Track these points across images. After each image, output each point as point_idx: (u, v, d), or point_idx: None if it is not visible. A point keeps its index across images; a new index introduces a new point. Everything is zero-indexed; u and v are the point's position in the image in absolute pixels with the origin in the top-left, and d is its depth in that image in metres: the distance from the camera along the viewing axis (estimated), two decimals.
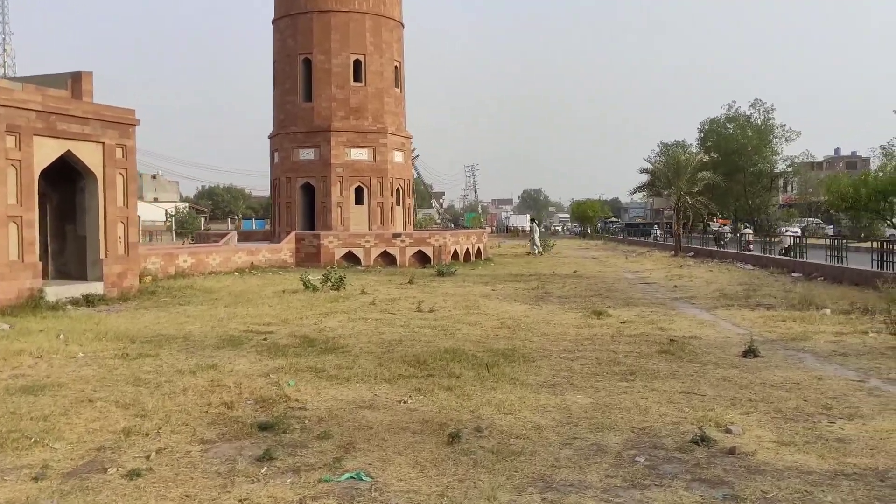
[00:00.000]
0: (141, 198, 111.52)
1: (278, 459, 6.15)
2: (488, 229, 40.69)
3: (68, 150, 17.14)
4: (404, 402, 8.06)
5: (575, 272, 27.40)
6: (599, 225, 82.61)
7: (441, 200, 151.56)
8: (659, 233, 54.64)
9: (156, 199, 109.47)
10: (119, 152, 18.40)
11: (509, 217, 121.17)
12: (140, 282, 21.05)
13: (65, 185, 18.47)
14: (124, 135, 18.51)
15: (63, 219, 18.79)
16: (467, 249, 33.05)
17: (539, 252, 39.54)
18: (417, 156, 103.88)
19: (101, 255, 18.01)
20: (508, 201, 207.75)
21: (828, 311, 14.68)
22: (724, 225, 48.75)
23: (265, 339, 12.16)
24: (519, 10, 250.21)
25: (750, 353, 10.60)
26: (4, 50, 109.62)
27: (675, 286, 21.58)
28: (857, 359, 10.38)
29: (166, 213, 72.85)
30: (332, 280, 20.14)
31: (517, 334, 12.89)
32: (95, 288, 17.73)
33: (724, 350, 11.15)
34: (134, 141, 18.86)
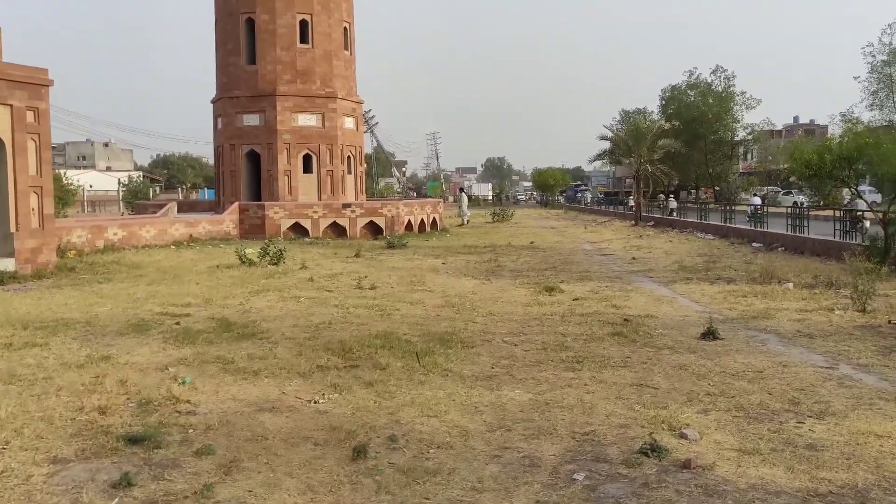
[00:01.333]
0: (92, 166, 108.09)
1: (137, 486, 4.99)
2: (446, 200, 39.44)
3: None
4: (315, 403, 6.96)
5: (532, 243, 26.46)
6: (568, 194, 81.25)
7: (403, 169, 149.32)
8: (631, 202, 53.88)
9: (108, 168, 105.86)
10: (30, 116, 16.75)
11: (471, 186, 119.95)
12: (62, 257, 19.54)
13: None
14: (36, 96, 16.85)
15: None
16: (422, 220, 31.88)
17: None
18: (377, 123, 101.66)
19: (12, 229, 16.45)
20: (473, 170, 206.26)
21: (790, 285, 13.89)
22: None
23: (178, 324, 10.92)
24: None
25: (709, 334, 9.70)
26: None
27: (634, 258, 20.74)
28: (824, 340, 9.53)
29: (119, 183, 70.22)
30: (271, 254, 18.85)
31: (461, 314, 11.85)
32: (5, 265, 16.21)
33: (682, 331, 10.24)
34: (47, 103, 17.21)
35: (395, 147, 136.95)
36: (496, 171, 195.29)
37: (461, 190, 56.86)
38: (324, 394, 7.21)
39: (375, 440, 5.87)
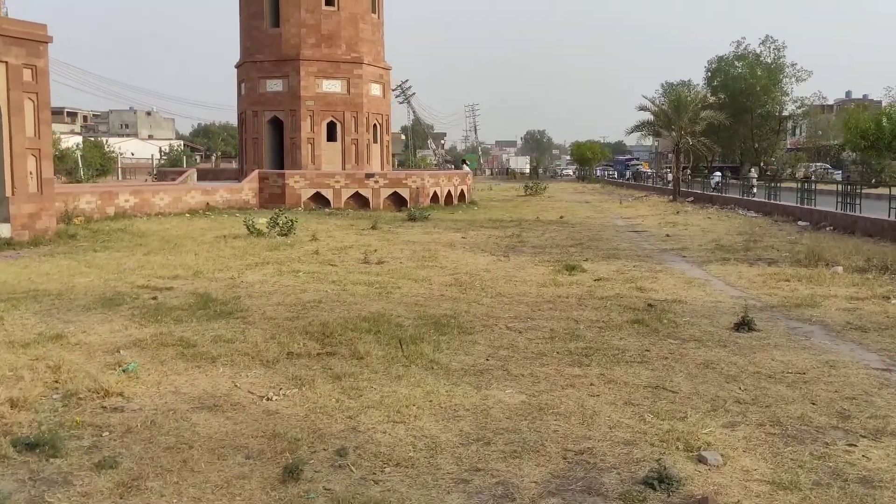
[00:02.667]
0: (135, 135, 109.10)
1: None
2: (483, 172, 38.19)
3: None
4: (267, 399, 5.93)
5: (561, 218, 25.14)
6: (618, 168, 76.50)
7: (442, 142, 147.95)
8: (670, 177, 51.61)
9: (150, 137, 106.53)
10: (27, 74, 15.94)
11: (509, 159, 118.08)
12: (68, 223, 18.90)
13: None
14: (33, 53, 16.02)
15: None
16: (449, 192, 30.69)
17: None
18: (413, 93, 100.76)
19: (8, 193, 15.73)
20: (512, 143, 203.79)
21: (839, 268, 12.44)
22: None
23: (154, 298, 10.00)
24: None
25: (743, 325, 8.44)
26: None
27: (668, 235, 19.32)
28: (879, 335, 8.20)
29: (160, 151, 70.41)
30: (280, 224, 17.91)
31: (467, 294, 10.73)
32: (1, 231, 15.51)
33: (712, 320, 8.98)
34: (46, 61, 16.37)
35: (434, 119, 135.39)
36: (536, 144, 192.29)
37: (463, 161, 55.73)
38: (281, 388, 6.18)
39: (320, 454, 4.81)
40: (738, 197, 29.30)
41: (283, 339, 7.78)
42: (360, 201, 27.78)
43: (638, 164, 74.07)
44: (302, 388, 6.20)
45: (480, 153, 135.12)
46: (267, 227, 17.89)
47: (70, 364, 6.70)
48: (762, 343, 7.85)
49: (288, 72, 29.44)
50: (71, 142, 62.47)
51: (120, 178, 51.60)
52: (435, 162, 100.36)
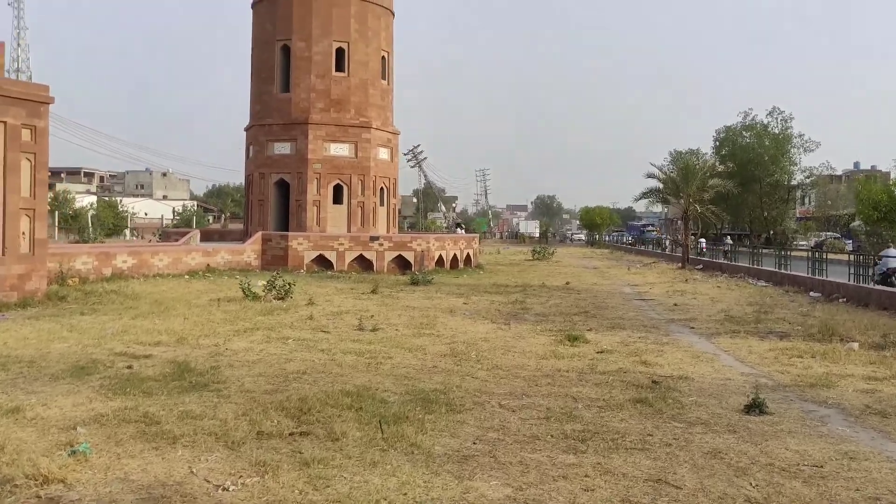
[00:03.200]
0: (150, 195, 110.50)
1: None
2: (492, 236, 37.89)
3: None
4: (224, 490, 5.35)
5: (567, 284, 24.61)
6: (633, 234, 76.45)
7: (454, 205, 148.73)
8: (667, 243, 51.24)
9: (164, 197, 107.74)
10: (26, 133, 15.82)
11: (519, 223, 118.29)
12: (62, 284, 18.54)
13: None
14: (34, 114, 15.93)
15: None
16: (455, 255, 30.30)
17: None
18: (425, 158, 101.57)
19: None
20: (523, 207, 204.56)
21: (855, 345, 11.81)
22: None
23: (129, 367, 9.49)
24: (531, 13, 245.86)
25: (754, 407, 7.82)
26: (19, 44, 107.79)
27: (675, 304, 18.73)
28: None
29: (173, 211, 71.02)
30: (277, 288, 17.46)
31: (461, 366, 10.16)
32: None
33: (721, 400, 8.36)
34: (46, 122, 16.28)
35: (446, 182, 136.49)
36: (546, 209, 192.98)
37: (458, 225, 55.99)
38: (241, 476, 5.60)
39: None
40: (747, 265, 28.73)
41: (256, 416, 7.23)
42: (363, 264, 27.41)
43: (653, 231, 73.51)
44: (265, 475, 5.62)
45: (491, 217, 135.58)
46: (263, 291, 17.46)
47: (16, 444, 6.16)
48: (775, 429, 7.22)
49: (296, 135, 29.52)
50: (85, 201, 63.16)
51: (129, 237, 51.76)
52: (445, 225, 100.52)
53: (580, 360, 10.80)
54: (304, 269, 26.56)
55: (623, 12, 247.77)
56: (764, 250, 30.29)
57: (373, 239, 27.78)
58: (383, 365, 10.11)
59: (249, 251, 26.66)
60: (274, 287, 17.51)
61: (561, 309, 17.35)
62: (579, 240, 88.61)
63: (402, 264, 27.75)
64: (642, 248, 57.44)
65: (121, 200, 68.51)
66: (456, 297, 19.63)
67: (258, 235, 27.40)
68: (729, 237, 42.80)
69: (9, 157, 15.44)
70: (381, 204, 31.23)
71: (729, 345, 12.31)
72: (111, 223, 52.20)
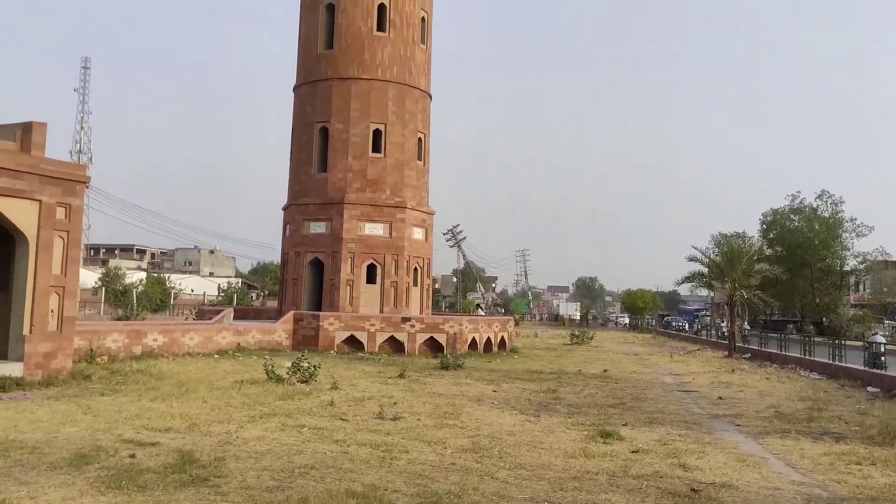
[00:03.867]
0: (197, 272, 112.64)
1: None
2: (510, 318, 37.19)
3: None
4: None
5: (605, 371, 23.62)
6: (684, 318, 71.99)
7: (494, 285, 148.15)
8: (724, 329, 49.13)
9: (211, 274, 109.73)
10: (61, 212, 15.92)
11: (559, 304, 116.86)
12: (90, 362, 18.38)
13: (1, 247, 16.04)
14: (69, 193, 16.07)
15: None
16: (488, 338, 29.56)
17: None
18: (464, 238, 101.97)
19: (26, 331, 15.29)
20: (564, 289, 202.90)
21: None
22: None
23: (132, 456, 9.01)
24: (576, 91, 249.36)
25: None
26: (82, 128, 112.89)
27: (720, 398, 17.64)
28: None
29: (218, 288, 72.05)
30: (301, 370, 16.97)
31: (482, 464, 9.44)
32: (12, 370, 14.95)
33: None
34: (81, 200, 16.40)
35: (486, 262, 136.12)
36: (587, 290, 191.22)
37: (478, 306, 55.16)
38: None
39: None
40: (798, 356, 27.35)
41: None
42: (395, 346, 26.85)
43: (707, 316, 69.26)
44: None
45: (530, 298, 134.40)
46: (288, 373, 16.97)
47: None
48: None
49: (332, 214, 29.61)
50: (135, 277, 64.44)
51: (172, 314, 52.16)
52: (481, 305, 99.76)
53: (612, 460, 9.97)
54: (335, 349, 26.10)
55: (661, 96, 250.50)
56: (816, 339, 28.91)
57: (404, 320, 27.29)
58: (398, 460, 9.44)
59: (281, 331, 26.36)
60: (298, 369, 17.02)
61: (596, 400, 16.44)
62: (622, 323, 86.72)
63: (433, 346, 27.12)
64: (686, 333, 55.77)
65: (169, 277, 69.82)
66: (486, 383, 18.87)
67: (289, 315, 27.15)
68: (791, 325, 41.18)
69: (42, 235, 15.50)
70: (415, 284, 30.87)
71: (778, 447, 11.32)
72: (158, 299, 52.93)
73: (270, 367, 17.07)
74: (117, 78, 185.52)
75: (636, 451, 10.54)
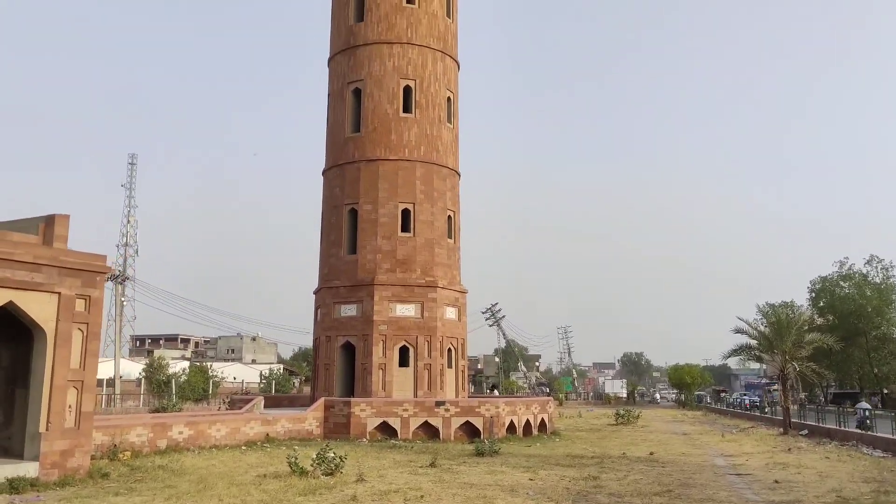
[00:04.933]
0: (240, 359, 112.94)
1: None
2: (551, 397, 35.83)
3: (10, 301, 14.56)
4: None
5: (651, 454, 22.23)
6: (748, 396, 65.99)
7: (537, 364, 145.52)
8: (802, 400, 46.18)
9: (253, 361, 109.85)
10: (80, 304, 15.70)
11: (604, 382, 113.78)
12: (113, 458, 17.85)
13: (19, 342, 15.82)
14: (89, 284, 15.88)
15: (13, 382, 16.00)
16: (528, 420, 28.35)
17: None
18: (503, 316, 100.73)
19: (42, 429, 14.84)
20: (610, 365, 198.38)
21: None
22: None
23: None
24: (610, 165, 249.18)
25: None
26: (129, 221, 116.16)
27: (776, 481, 16.25)
28: None
29: (260, 375, 71.84)
30: (326, 461, 16.14)
31: None
32: (27, 469, 14.43)
33: None
34: (102, 292, 16.19)
35: (528, 341, 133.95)
36: (634, 366, 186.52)
37: (493, 387, 53.70)
38: None
39: None
40: (860, 432, 25.56)
41: None
42: (429, 431, 25.82)
43: (776, 391, 62.04)
44: None
45: (575, 376, 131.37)
46: (312, 465, 16.15)
47: None
48: None
49: (362, 297, 29.19)
50: (178, 367, 64.51)
51: (213, 403, 51.68)
52: (524, 384, 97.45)
53: None
54: (367, 437, 25.18)
55: (703, 162, 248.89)
56: (868, 413, 27.09)
57: (438, 404, 26.31)
58: None
59: (311, 419, 25.59)
60: (323, 461, 16.20)
61: (640, 488, 15.22)
62: (670, 400, 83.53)
63: (470, 431, 26.02)
64: (736, 409, 53.23)
65: (211, 365, 69.75)
66: (523, 470, 17.75)
67: (320, 402, 26.42)
68: (864, 399, 38.47)
69: (60, 328, 15.24)
70: (450, 366, 29.97)
71: None
72: (201, 388, 52.71)
73: (294, 459, 16.29)
74: (161, 170, 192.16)
75: None
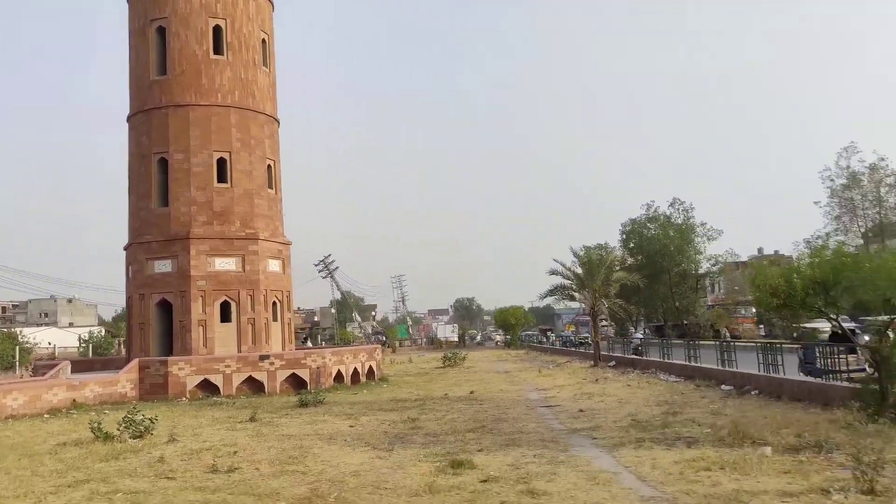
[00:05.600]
0: (55, 323, 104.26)
1: None
2: (378, 345, 36.37)
3: None
4: None
5: (471, 393, 23.05)
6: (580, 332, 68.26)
7: (374, 313, 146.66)
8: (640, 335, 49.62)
9: (71, 324, 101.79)
10: None
11: (437, 327, 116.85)
12: None
13: None
14: None
15: None
16: (355, 369, 28.41)
17: None
18: (336, 268, 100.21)
19: None
20: (444, 312, 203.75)
21: (768, 449, 10.62)
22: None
23: None
24: (443, 104, 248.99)
25: None
26: None
27: (581, 410, 17.38)
28: None
29: (79, 339, 66.56)
30: (134, 424, 15.23)
31: None
32: None
33: None
34: None
35: (364, 291, 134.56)
36: (466, 311, 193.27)
37: (305, 339, 55.91)
38: None
39: None
40: (659, 360, 27.95)
41: None
42: (254, 386, 25.19)
43: (605, 326, 64.26)
44: None
45: (410, 323, 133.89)
46: (119, 429, 15.17)
47: None
48: None
49: (177, 251, 27.63)
50: None
51: (28, 371, 47.36)
52: (360, 335, 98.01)
53: (459, 494, 9.19)
54: (188, 396, 24.16)
55: (521, 113, 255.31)
56: (675, 342, 29.75)
57: (262, 358, 25.70)
58: None
59: (125, 381, 24.12)
60: (131, 423, 15.27)
61: (456, 425, 15.70)
62: (498, 342, 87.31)
63: (297, 383, 25.67)
64: (557, 347, 56.66)
65: (21, 331, 63.80)
66: (344, 418, 17.76)
67: (134, 363, 24.94)
68: (634, 329, 42.56)
69: None
70: (275, 319, 29.29)
71: (632, 459, 10.92)
72: (10, 355, 48.08)
73: (97, 424, 15.22)
74: None
75: (486, 481, 9.82)
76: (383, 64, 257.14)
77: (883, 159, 39.05)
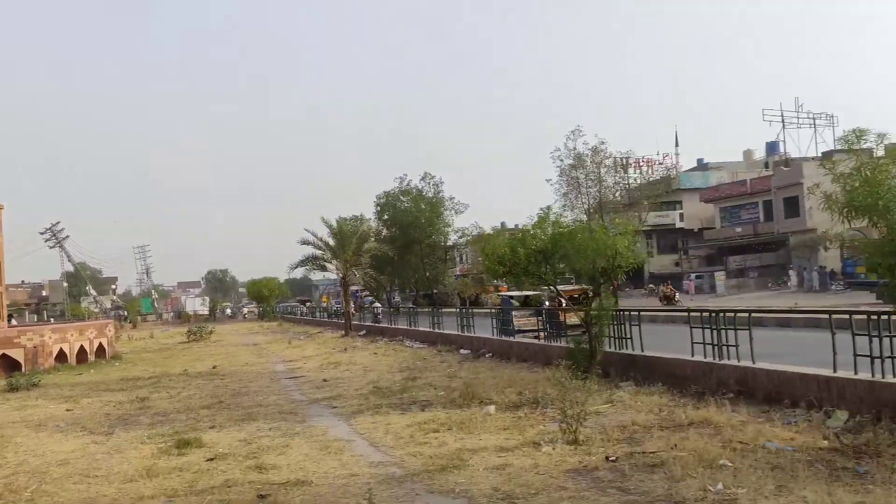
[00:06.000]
0: None
1: None
2: (109, 321, 33.65)
3: None
4: None
5: (214, 368, 22.00)
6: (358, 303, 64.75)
7: (114, 287, 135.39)
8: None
9: None
10: None
11: (185, 300, 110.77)
12: None
13: None
14: None
15: None
16: (82, 347, 25.80)
17: None
18: (67, 237, 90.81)
19: None
20: (196, 284, 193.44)
21: (492, 408, 11.24)
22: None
23: None
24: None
25: None
26: None
27: (325, 380, 17.29)
28: None
29: None
30: None
31: None
32: None
33: None
34: None
35: (102, 263, 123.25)
36: (219, 283, 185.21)
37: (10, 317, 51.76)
38: None
39: None
40: (406, 327, 28.75)
41: None
42: None
43: (370, 298, 62.43)
44: None
45: (157, 296, 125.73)
46: None
47: None
48: None
49: None
50: None
51: None
52: (97, 310, 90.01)
53: (181, 475, 8.57)
54: None
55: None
56: (421, 310, 30.76)
57: None
58: None
59: None
60: None
61: (190, 403, 14.81)
62: (253, 314, 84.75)
63: (9, 365, 22.69)
64: (310, 317, 56.34)
65: None
66: (61, 402, 16.00)
67: None
68: (372, 298, 44.16)
69: None
70: None
71: (367, 425, 10.97)
72: None
73: None
74: None
75: (213, 459, 9.29)
76: None
77: (603, 143, 43.34)
